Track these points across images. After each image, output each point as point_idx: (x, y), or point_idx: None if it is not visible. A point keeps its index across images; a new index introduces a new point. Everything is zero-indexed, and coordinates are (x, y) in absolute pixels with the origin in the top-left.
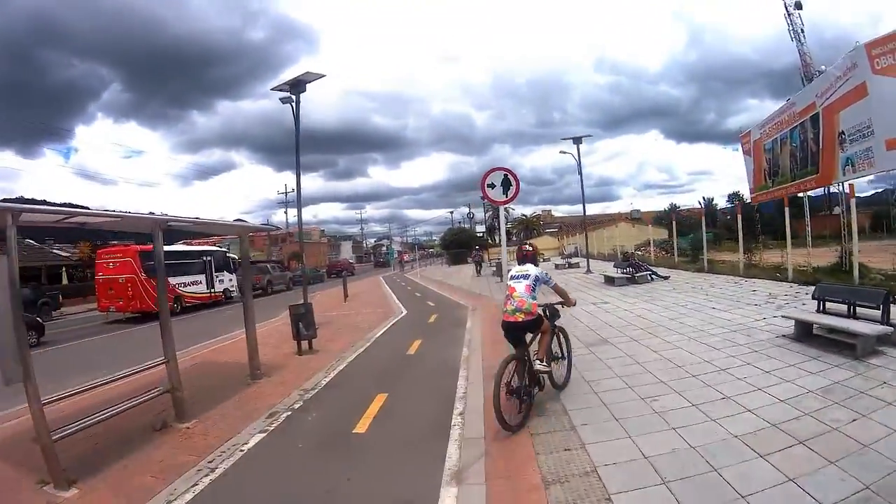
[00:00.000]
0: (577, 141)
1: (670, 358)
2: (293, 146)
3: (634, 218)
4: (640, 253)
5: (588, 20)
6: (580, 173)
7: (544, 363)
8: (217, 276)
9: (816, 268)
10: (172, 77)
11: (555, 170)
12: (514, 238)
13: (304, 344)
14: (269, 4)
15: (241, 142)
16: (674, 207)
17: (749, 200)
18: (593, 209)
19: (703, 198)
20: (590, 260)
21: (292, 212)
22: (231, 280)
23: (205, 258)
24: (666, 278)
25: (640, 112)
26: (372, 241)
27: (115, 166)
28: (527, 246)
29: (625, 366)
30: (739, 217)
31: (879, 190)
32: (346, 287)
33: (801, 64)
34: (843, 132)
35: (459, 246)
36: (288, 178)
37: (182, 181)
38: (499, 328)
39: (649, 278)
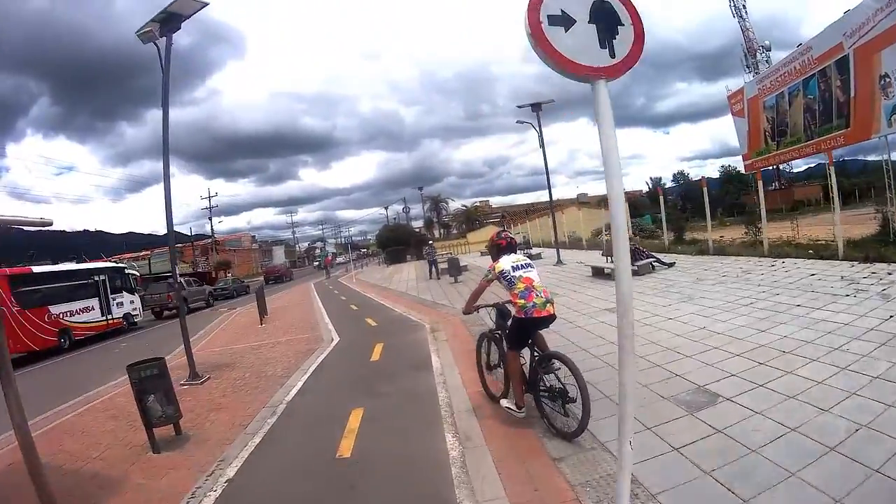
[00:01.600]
0: (537, 108)
1: (877, 426)
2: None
3: (583, 202)
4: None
5: (515, 9)
6: (542, 145)
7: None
8: (114, 299)
9: (848, 240)
10: (100, 88)
11: (486, 161)
12: (455, 231)
13: (168, 427)
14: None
15: (171, 151)
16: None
17: (742, 169)
18: (528, 198)
19: (651, 178)
20: (559, 249)
21: (228, 220)
22: (133, 302)
23: (97, 278)
24: (671, 265)
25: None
26: (305, 244)
27: (48, 183)
28: (509, 234)
29: (831, 480)
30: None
31: (812, 165)
32: (264, 305)
33: (743, 40)
34: (886, 75)
35: (398, 243)
36: (218, 185)
37: (114, 195)
38: None
39: (651, 267)
